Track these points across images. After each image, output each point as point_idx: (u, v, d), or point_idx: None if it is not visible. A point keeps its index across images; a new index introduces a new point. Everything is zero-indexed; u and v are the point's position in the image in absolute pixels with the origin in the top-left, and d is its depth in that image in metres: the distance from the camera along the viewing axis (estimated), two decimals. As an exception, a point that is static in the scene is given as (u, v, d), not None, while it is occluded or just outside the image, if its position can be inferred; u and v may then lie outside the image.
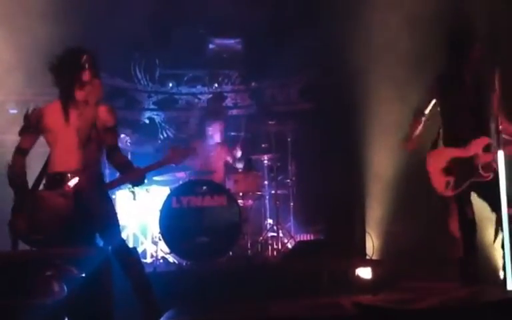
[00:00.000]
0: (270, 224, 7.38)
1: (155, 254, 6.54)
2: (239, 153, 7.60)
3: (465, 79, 4.99)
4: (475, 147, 4.87)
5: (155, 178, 6.94)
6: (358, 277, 5.96)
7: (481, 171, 4.83)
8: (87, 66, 4.32)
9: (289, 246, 7.16)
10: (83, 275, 3.27)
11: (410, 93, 5.87)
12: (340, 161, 7.44)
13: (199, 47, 8.56)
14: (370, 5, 6.63)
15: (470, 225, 4.94)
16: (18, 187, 4.25)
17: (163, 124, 8.71)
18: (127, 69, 8.48)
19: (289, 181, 7.52)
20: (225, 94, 8.92)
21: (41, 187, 4.35)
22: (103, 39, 6.63)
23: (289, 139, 7.50)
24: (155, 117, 8.70)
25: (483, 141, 4.88)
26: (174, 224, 6.38)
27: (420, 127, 5.20)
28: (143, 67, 8.60)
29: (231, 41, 8.69)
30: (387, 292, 5.28)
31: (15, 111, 6.53)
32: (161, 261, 6.53)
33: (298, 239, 7.45)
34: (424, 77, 5.55)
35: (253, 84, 8.84)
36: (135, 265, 4.40)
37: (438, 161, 4.98)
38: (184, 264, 6.37)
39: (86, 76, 4.32)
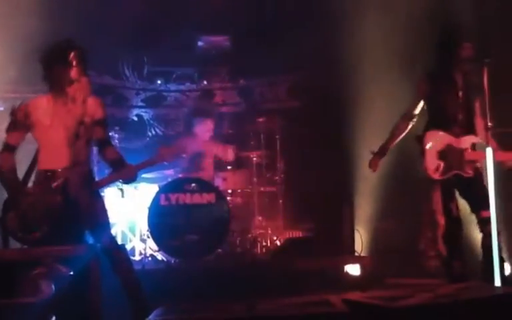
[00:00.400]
0: (259, 221, 7.38)
1: (143, 251, 6.53)
2: (230, 155, 7.53)
3: (454, 78, 5.02)
4: (466, 142, 4.94)
5: (144, 175, 6.92)
6: (347, 273, 5.99)
7: (465, 167, 4.90)
8: (74, 63, 4.30)
9: (278, 243, 7.17)
10: (71, 273, 3.25)
11: (399, 92, 5.89)
12: (329, 159, 7.45)
13: (188, 44, 8.54)
14: (360, 5, 6.65)
15: (454, 222, 4.97)
16: (8, 185, 4.22)
17: (151, 121, 8.69)
18: (115, 66, 8.44)
19: (277, 178, 7.52)
20: (214, 91, 8.91)
21: (30, 183, 4.34)
22: (91, 36, 6.58)
23: (277, 137, 7.50)
24: (143, 114, 8.67)
25: (472, 139, 4.94)
26: (162, 221, 6.37)
27: (406, 131, 5.22)
28: (131, 64, 8.57)
29: (220, 38, 8.68)
30: (376, 289, 5.30)
31: (1, 109, 6.49)
32: (150, 258, 6.51)
33: (287, 236, 7.46)
34: (414, 77, 5.58)
35: (242, 81, 8.84)
36: (123, 262, 4.39)
37: (436, 142, 4.98)
38: (172, 261, 6.35)
39: (74, 73, 4.29)
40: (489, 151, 4.52)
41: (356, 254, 6.65)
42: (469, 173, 4.89)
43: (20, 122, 4.32)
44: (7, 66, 6.09)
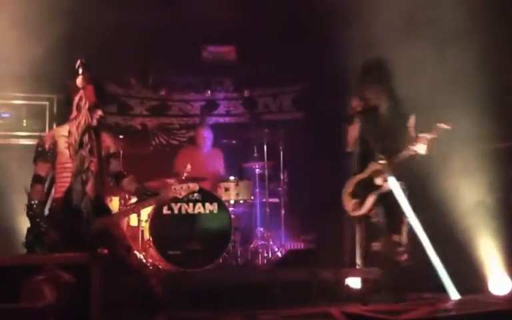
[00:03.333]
0: (260, 232, 7.39)
1: (145, 260, 6.53)
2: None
3: (379, 105, 5.24)
4: (372, 167, 5.24)
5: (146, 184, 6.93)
6: (347, 286, 5.97)
7: (377, 183, 5.17)
8: (80, 71, 4.34)
9: (279, 254, 7.17)
10: (74, 280, 3.27)
11: (401, 104, 5.90)
12: (332, 171, 7.44)
13: (193, 54, 8.57)
14: (365, 15, 6.65)
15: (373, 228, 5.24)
16: (34, 221, 4.24)
17: (155, 130, 8.71)
18: (120, 74, 8.48)
19: (280, 189, 7.53)
20: (218, 101, 8.95)
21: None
22: (96, 44, 6.63)
23: (281, 148, 7.52)
24: (148, 122, 8.70)
25: (376, 165, 5.21)
26: (164, 231, 6.38)
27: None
28: (137, 72, 8.61)
29: (226, 49, 8.71)
30: (377, 302, 5.29)
31: (7, 115, 6.52)
32: (151, 267, 6.52)
33: (288, 248, 7.46)
34: (414, 87, 5.64)
35: (246, 92, 8.86)
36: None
37: (347, 187, 5.41)
38: (174, 271, 6.36)
39: (80, 81, 4.33)
40: (392, 180, 4.99)
41: (357, 267, 6.64)
42: (383, 185, 5.15)
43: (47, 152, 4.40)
44: (14, 73, 6.11)
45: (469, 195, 5.69)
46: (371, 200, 5.21)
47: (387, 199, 5.16)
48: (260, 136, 7.49)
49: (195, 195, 6.51)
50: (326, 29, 7.20)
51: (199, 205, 6.51)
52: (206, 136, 7.66)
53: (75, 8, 6.49)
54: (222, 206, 6.59)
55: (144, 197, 4.58)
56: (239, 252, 6.92)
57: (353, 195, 5.35)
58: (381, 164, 5.17)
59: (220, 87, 8.95)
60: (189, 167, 6.87)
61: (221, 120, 8.87)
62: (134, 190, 4.64)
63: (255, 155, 7.52)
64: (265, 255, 7.14)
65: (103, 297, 3.52)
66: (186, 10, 7.75)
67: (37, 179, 4.36)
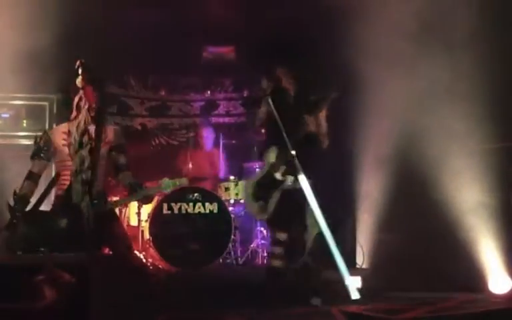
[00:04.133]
0: (261, 232, 7.39)
1: (145, 260, 6.53)
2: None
3: (289, 89, 5.06)
4: (269, 159, 4.99)
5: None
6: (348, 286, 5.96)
7: (279, 178, 4.88)
8: (80, 71, 4.35)
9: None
10: (74, 280, 3.27)
11: (399, 109, 5.93)
12: (331, 170, 7.44)
13: (193, 54, 8.57)
14: (366, 16, 6.66)
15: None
16: (13, 212, 4.28)
17: (155, 130, 8.72)
18: (120, 75, 8.49)
19: (280, 189, 7.52)
20: (217, 101, 8.95)
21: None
22: (96, 44, 6.63)
23: (281, 148, 7.51)
24: (147, 123, 8.70)
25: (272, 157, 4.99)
26: (164, 230, 6.38)
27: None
28: (137, 73, 8.61)
29: (225, 49, 8.71)
30: (377, 301, 5.30)
31: (7, 115, 6.52)
32: (151, 267, 6.52)
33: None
34: (412, 91, 5.65)
35: (246, 92, 8.87)
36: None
37: (247, 187, 5.09)
38: (174, 270, 6.36)
39: (79, 81, 4.34)
40: (302, 178, 4.71)
41: (357, 266, 6.64)
42: (282, 179, 4.88)
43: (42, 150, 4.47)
44: (13, 73, 6.11)
45: (469, 194, 5.69)
46: (274, 199, 4.85)
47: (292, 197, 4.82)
48: (259, 135, 7.47)
49: (195, 194, 6.53)
50: (326, 28, 7.21)
51: (199, 204, 6.52)
52: (206, 135, 7.67)
53: (74, 8, 6.50)
54: (222, 205, 6.60)
55: (132, 192, 4.58)
56: (238, 251, 6.93)
57: (256, 196, 4.95)
58: (280, 155, 4.87)
59: (220, 87, 8.95)
60: (189, 165, 6.88)
61: (221, 120, 8.87)
62: (126, 184, 4.63)
63: (255, 154, 7.51)
64: (265, 254, 7.13)
65: (103, 297, 3.52)
66: (186, 10, 7.75)
67: (27, 175, 4.45)
